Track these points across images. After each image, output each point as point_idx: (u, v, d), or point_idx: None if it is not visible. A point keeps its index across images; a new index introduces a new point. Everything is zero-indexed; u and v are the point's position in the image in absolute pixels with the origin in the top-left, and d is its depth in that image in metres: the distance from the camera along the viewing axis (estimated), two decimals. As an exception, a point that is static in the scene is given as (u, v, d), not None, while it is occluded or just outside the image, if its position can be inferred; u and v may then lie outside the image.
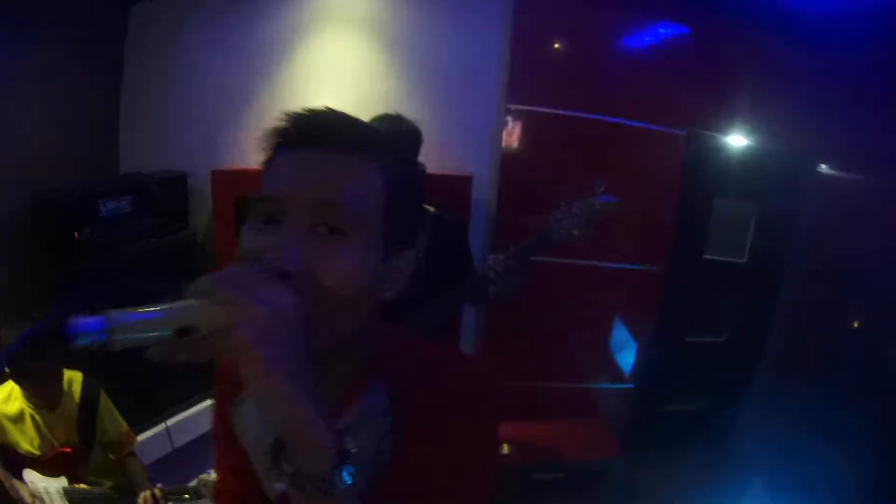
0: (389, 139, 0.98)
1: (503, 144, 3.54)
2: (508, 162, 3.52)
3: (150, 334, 0.73)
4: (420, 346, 1.06)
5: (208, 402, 3.59)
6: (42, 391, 2.57)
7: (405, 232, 0.98)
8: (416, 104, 3.60)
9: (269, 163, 0.94)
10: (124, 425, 2.82)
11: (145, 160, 4.44)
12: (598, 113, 3.48)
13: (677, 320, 3.96)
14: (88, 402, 2.69)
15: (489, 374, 0.99)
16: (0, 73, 3.64)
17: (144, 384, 3.43)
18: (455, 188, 3.44)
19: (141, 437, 3.29)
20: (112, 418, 2.77)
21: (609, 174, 3.34)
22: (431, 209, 2.76)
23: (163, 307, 0.74)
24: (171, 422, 3.86)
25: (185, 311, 0.74)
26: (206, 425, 3.71)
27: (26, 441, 2.58)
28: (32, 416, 2.58)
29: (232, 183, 4.04)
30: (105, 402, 2.76)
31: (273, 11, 4.06)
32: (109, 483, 2.75)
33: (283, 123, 0.92)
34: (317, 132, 0.91)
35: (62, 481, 2.58)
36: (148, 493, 2.51)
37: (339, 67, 3.86)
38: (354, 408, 0.92)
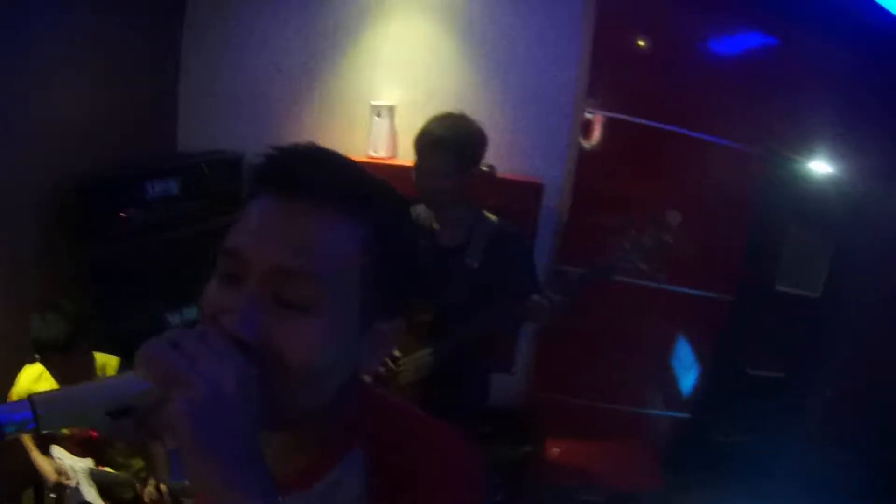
0: (379, 187, 0.81)
1: (578, 150, 3.05)
2: (583, 169, 3.03)
3: (86, 416, 0.66)
4: (404, 414, 0.93)
5: None
6: (71, 375, 2.35)
7: (392, 300, 0.82)
8: (488, 100, 3.17)
9: (242, 207, 0.82)
10: None
11: (204, 139, 4.14)
12: (677, 125, 3.00)
13: (740, 351, 3.52)
14: None
15: (471, 451, 0.88)
16: (56, 42, 3.35)
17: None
18: (523, 194, 3.00)
19: None
20: None
21: (684, 191, 2.95)
22: (493, 218, 2.45)
23: (97, 383, 0.69)
24: None
25: (118, 388, 0.66)
26: None
27: None
28: None
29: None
30: None
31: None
32: (139, 465, 2.63)
33: (259, 160, 0.80)
34: (289, 177, 0.76)
35: (89, 462, 2.51)
36: (152, 487, 2.45)
37: (407, 55, 3.43)
38: (332, 471, 0.82)
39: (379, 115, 3.31)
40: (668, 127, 2.96)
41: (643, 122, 2.97)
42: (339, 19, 3.65)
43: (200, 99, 4.18)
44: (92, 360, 2.49)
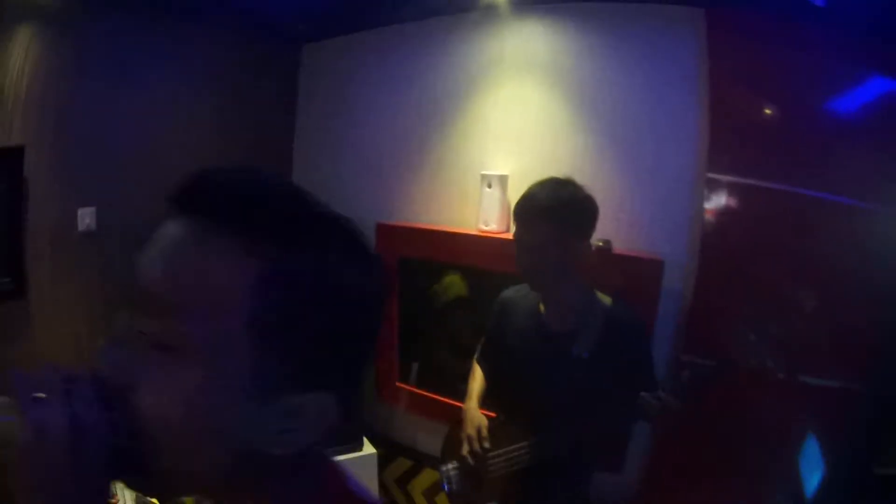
0: (310, 222, 0.69)
1: (702, 222, 2.63)
2: (708, 243, 2.61)
3: None
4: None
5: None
6: None
7: (314, 368, 0.65)
8: (604, 169, 2.88)
9: None
10: None
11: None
12: (806, 187, 2.59)
13: (867, 447, 2.98)
14: None
15: None
16: (182, 103, 3.65)
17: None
18: (643, 273, 2.66)
19: None
20: None
21: (817, 266, 2.51)
22: (608, 300, 2.14)
23: None
24: None
25: None
26: None
27: None
28: None
29: (396, 239, 3.55)
30: None
31: (447, 54, 3.48)
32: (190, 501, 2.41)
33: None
34: (188, 194, 0.66)
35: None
36: None
37: (518, 122, 3.19)
38: None
39: (489, 186, 3.08)
40: (798, 190, 2.54)
41: (771, 186, 2.56)
42: (448, 88, 3.49)
43: (313, 170, 4.18)
44: None
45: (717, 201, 2.59)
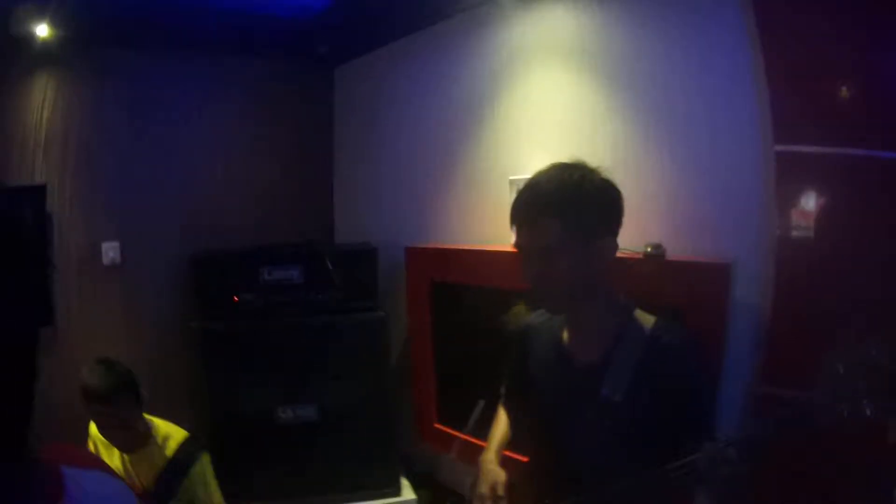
0: None
1: (777, 209, 1.90)
2: (787, 237, 1.87)
3: None
4: None
5: None
6: (110, 427, 2.25)
7: None
8: (652, 164, 2.22)
9: None
10: (218, 499, 2.38)
11: (357, 228, 3.69)
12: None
13: None
14: (180, 462, 2.32)
15: None
16: (220, 132, 3.59)
17: (308, 470, 2.99)
18: (704, 282, 1.94)
19: None
20: (205, 486, 2.34)
21: None
22: (649, 321, 1.47)
23: None
24: None
25: None
26: None
27: (113, 466, 2.21)
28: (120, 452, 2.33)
29: (427, 262, 3.00)
30: (203, 469, 2.35)
31: (466, 55, 2.97)
32: None
33: None
34: None
35: None
36: None
37: (548, 114, 2.60)
38: None
39: (519, 192, 2.49)
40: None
41: (864, 153, 1.84)
42: (471, 91, 2.96)
43: (352, 188, 3.82)
44: (137, 419, 2.29)
45: (792, 181, 1.92)
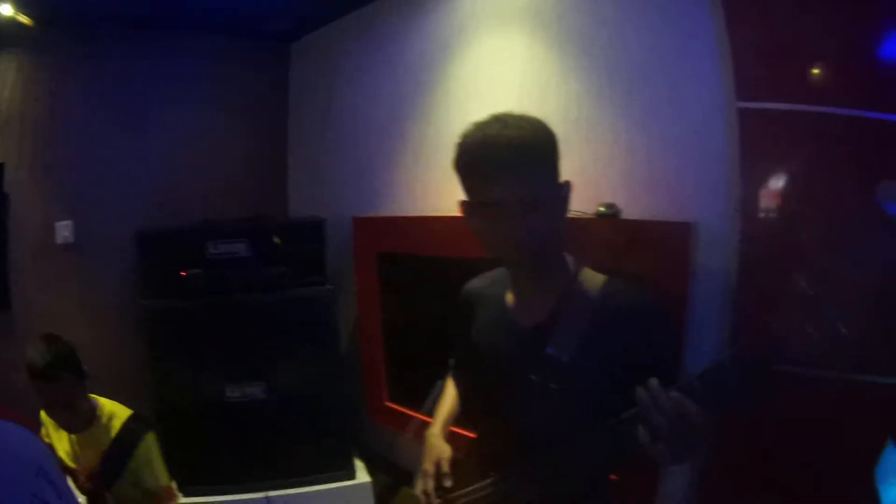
0: None
1: (740, 167, 1.74)
2: (752, 195, 1.71)
3: None
4: None
5: (315, 488, 2.86)
6: (53, 404, 2.16)
7: None
8: (607, 115, 2.05)
9: None
10: (164, 479, 2.29)
11: (312, 203, 3.49)
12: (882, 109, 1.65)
13: None
14: (124, 441, 2.24)
15: None
16: (173, 110, 3.45)
17: (259, 450, 2.81)
18: (664, 242, 1.76)
19: (240, 498, 2.79)
20: (150, 466, 2.25)
21: None
22: (598, 279, 1.31)
23: None
24: (273, 493, 2.82)
25: None
26: None
27: (62, 450, 2.26)
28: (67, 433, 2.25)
29: (374, 233, 2.82)
30: (147, 448, 2.26)
31: (419, 23, 2.78)
32: None
33: None
34: None
35: (83, 501, 2.23)
36: None
37: (500, 79, 2.41)
38: None
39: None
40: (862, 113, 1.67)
41: (831, 110, 1.69)
42: (424, 58, 2.77)
43: (308, 168, 3.66)
44: (80, 398, 2.18)
45: (756, 138, 1.76)
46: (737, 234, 1.74)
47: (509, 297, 1.39)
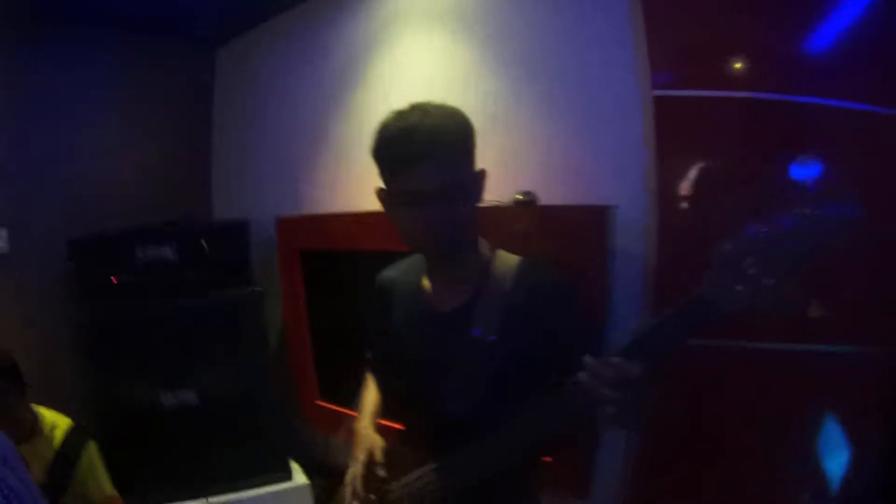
0: None
1: (656, 155, 1.71)
2: (667, 181, 1.69)
3: None
4: None
5: (254, 492, 2.74)
6: None
7: None
8: (524, 109, 2.01)
9: None
10: (109, 488, 2.23)
11: (237, 204, 3.38)
12: (790, 92, 1.59)
13: None
14: (67, 452, 2.16)
15: None
16: (100, 114, 3.29)
17: (196, 456, 2.68)
18: (580, 226, 1.73)
19: None
20: (94, 477, 2.19)
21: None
22: (512, 261, 1.28)
23: None
24: (213, 500, 2.69)
25: None
26: None
27: None
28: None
29: (297, 232, 2.73)
30: (90, 457, 2.19)
31: (342, 23, 2.71)
32: None
33: None
34: None
35: None
36: None
37: (419, 77, 2.36)
38: None
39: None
40: (782, 97, 1.70)
41: (743, 95, 1.72)
42: (345, 58, 2.68)
43: (229, 165, 3.53)
44: (21, 408, 2.11)
45: (671, 126, 1.77)
46: (654, 218, 1.73)
47: (426, 284, 1.33)
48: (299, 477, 2.83)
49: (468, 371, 1.21)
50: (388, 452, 1.40)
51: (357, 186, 2.62)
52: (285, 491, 2.78)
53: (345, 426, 1.99)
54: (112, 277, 2.65)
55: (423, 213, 1.16)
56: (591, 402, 0.96)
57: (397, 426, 1.48)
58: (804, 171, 0.89)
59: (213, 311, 2.67)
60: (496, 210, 1.82)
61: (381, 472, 1.36)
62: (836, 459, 1.76)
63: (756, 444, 1.72)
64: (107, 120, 3.28)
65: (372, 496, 1.37)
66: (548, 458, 1.44)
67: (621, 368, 0.94)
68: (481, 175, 1.24)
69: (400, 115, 1.20)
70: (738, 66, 1.77)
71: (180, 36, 3.36)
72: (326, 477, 2.82)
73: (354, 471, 1.39)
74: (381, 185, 1.25)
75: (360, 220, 2.36)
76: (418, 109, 1.19)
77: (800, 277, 0.85)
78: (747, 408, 1.71)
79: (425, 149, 1.14)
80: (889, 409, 1.66)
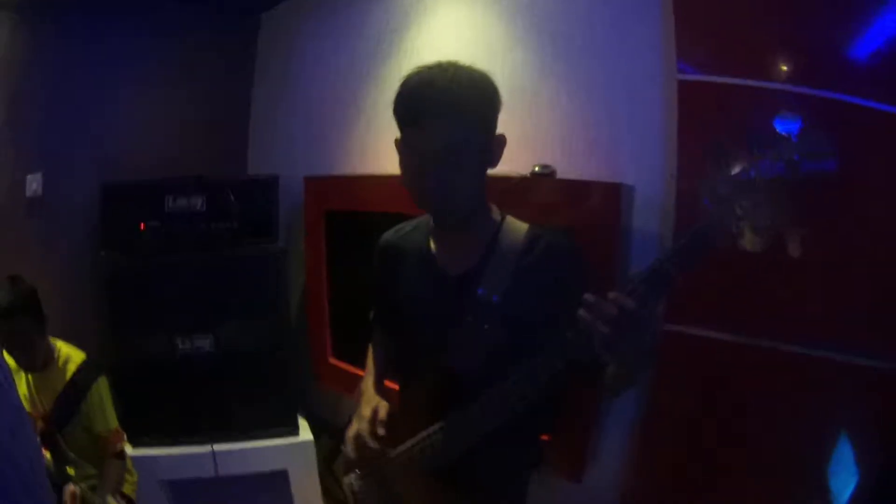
0: None
1: (677, 138, 1.65)
2: (686, 166, 1.61)
3: None
4: None
5: (259, 443, 2.76)
6: (12, 344, 2.07)
7: None
8: (548, 83, 1.98)
9: None
10: (113, 423, 2.23)
11: (271, 163, 3.37)
12: (817, 86, 1.51)
13: None
14: (78, 384, 2.18)
15: None
16: (150, 69, 3.27)
17: (206, 404, 2.69)
18: (594, 202, 1.69)
19: (186, 451, 2.69)
20: (101, 410, 2.20)
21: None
22: (523, 227, 1.26)
23: None
24: (218, 447, 2.69)
25: None
26: (252, 466, 2.77)
27: (20, 393, 1.81)
28: (26, 374, 2.18)
29: (324, 192, 2.71)
30: (100, 392, 2.21)
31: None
32: (92, 472, 2.19)
33: None
34: None
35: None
36: (75, 489, 1.93)
37: (450, 47, 2.30)
38: None
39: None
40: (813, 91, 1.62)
41: (766, 84, 1.64)
42: (384, 27, 2.66)
43: (267, 126, 3.51)
44: (41, 340, 2.14)
45: (694, 110, 1.70)
46: (672, 199, 1.68)
47: (432, 246, 1.32)
48: (306, 433, 2.83)
49: (476, 333, 1.20)
50: (391, 414, 1.37)
51: (385, 152, 2.60)
52: (290, 446, 2.79)
53: (358, 389, 1.97)
54: (140, 224, 2.68)
55: (425, 171, 1.15)
56: (591, 339, 0.96)
57: (397, 387, 1.46)
58: (791, 125, 0.88)
59: (236, 265, 2.69)
60: (514, 180, 1.78)
61: (382, 432, 1.32)
62: (835, 468, 1.69)
63: (758, 443, 1.66)
64: (150, 78, 3.29)
65: (372, 454, 1.34)
66: (545, 437, 1.41)
67: (619, 302, 0.93)
68: (499, 141, 1.21)
69: (421, 71, 1.18)
70: (765, 55, 1.69)
71: (227, 1, 3.36)
72: (333, 437, 2.82)
73: (358, 428, 1.36)
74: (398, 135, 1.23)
75: (386, 182, 2.34)
76: (442, 68, 1.17)
77: (786, 218, 0.89)
78: (752, 406, 1.66)
79: (435, 108, 1.12)
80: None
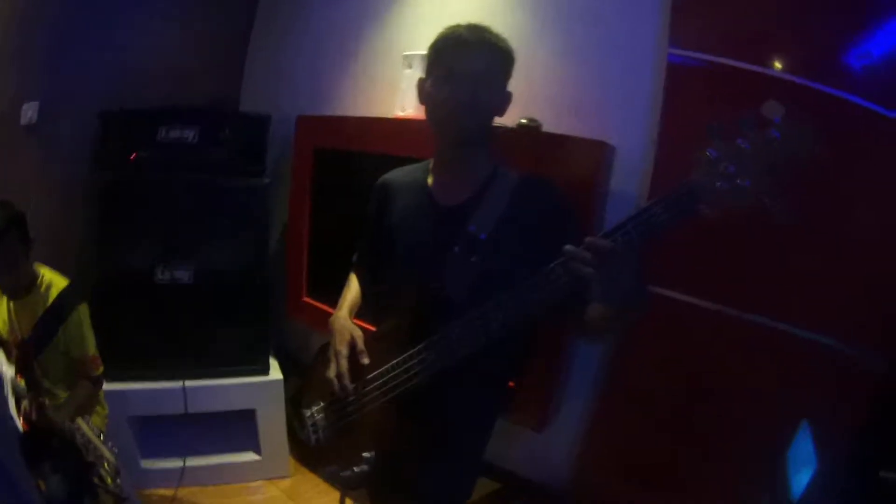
0: None
1: (662, 109, 1.71)
2: (667, 135, 1.67)
3: None
4: None
5: (229, 380, 2.77)
6: None
7: None
8: (545, 45, 2.00)
9: None
10: (92, 349, 2.19)
11: (262, 102, 3.32)
12: (805, 76, 1.57)
13: (878, 443, 1.61)
14: (57, 309, 2.13)
15: None
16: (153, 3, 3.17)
17: (180, 336, 2.68)
18: (579, 157, 1.72)
19: (157, 385, 2.68)
20: (80, 336, 2.16)
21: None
22: (514, 173, 1.34)
23: None
24: (189, 383, 2.68)
25: None
26: (221, 404, 2.78)
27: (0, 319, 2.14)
28: (8, 301, 2.14)
29: (314, 130, 2.69)
30: (79, 318, 2.16)
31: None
32: (63, 395, 2.15)
33: None
34: None
35: (11, 371, 2.06)
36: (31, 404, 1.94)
37: (452, 9, 2.32)
38: None
39: (410, 67, 2.21)
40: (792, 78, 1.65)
41: (757, 69, 1.68)
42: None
43: (264, 63, 3.47)
44: (23, 262, 2.09)
45: (680, 84, 1.72)
46: (650, 163, 1.70)
47: (430, 180, 1.39)
48: (275, 372, 2.83)
49: (463, 263, 1.26)
50: (367, 342, 1.37)
51: (378, 98, 2.59)
52: (260, 384, 2.79)
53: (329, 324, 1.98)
54: (132, 153, 2.65)
55: (462, 87, 1.24)
56: (578, 271, 1.02)
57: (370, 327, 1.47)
58: (778, 107, 0.92)
59: (221, 194, 2.68)
60: (500, 130, 1.78)
61: (365, 360, 1.33)
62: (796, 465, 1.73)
63: (723, 415, 1.70)
64: (148, 8, 3.19)
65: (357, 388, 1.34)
66: (511, 384, 1.43)
67: (597, 244, 1.00)
68: (508, 95, 1.34)
69: (462, 25, 1.31)
70: (756, 39, 1.72)
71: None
72: (301, 375, 2.82)
73: (339, 366, 1.36)
74: (423, 76, 1.33)
75: (376, 124, 2.34)
76: (479, 27, 1.30)
77: (771, 182, 0.94)
78: (721, 377, 1.69)
79: (479, 40, 1.27)
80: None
